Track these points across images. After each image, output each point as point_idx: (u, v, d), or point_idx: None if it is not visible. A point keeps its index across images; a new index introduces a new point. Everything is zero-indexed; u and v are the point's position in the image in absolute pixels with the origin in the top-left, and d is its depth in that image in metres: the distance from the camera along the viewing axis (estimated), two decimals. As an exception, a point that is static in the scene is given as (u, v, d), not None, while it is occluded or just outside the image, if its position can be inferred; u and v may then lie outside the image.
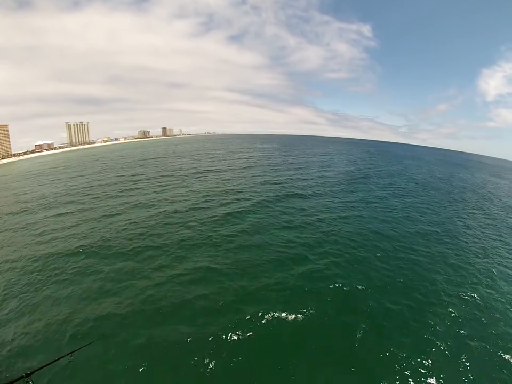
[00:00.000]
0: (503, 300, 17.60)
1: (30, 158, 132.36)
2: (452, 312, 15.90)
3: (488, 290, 18.50)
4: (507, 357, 13.12)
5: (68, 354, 5.86)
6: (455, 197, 46.71)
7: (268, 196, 37.11)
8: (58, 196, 39.33)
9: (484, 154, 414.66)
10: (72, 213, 31.10)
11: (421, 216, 32.95)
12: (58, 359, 5.61)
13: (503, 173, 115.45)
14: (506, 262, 23.19)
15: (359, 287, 17.42)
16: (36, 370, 4.44)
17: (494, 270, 21.39)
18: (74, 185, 45.54)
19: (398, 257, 21.87)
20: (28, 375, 4.22)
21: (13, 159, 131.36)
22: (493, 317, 15.95)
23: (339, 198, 38.52)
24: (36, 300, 16.18)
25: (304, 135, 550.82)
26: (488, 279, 19.94)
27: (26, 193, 43.12)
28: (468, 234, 28.95)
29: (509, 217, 37.38)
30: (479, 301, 17.24)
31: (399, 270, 19.82)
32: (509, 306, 16.99)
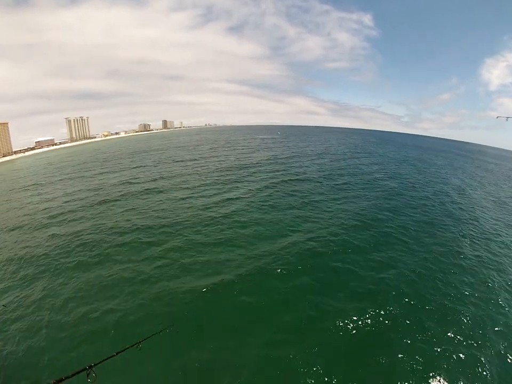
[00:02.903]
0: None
1: (31, 154, 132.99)
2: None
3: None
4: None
5: (134, 345, 5.47)
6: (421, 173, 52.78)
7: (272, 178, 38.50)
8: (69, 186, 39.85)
9: (477, 143, 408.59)
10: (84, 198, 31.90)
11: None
12: (124, 350, 5.17)
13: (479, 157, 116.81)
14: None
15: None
16: (100, 362, 4.23)
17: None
18: (82, 176, 45.98)
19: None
20: (90, 367, 4.02)
21: (14, 156, 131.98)
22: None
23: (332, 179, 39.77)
24: (92, 279, 15.82)
25: (304, 125, 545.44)
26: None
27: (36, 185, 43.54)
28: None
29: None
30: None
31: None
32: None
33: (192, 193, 31.93)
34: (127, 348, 5.28)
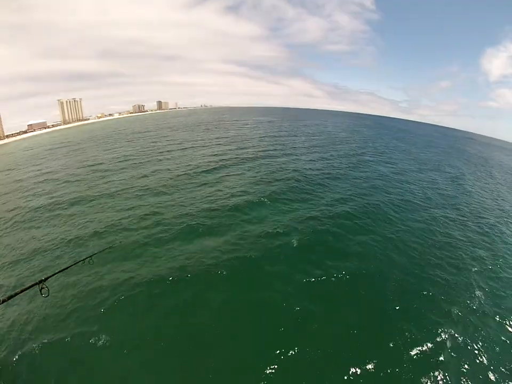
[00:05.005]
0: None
1: (24, 138, 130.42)
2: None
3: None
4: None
5: (84, 260, 5.69)
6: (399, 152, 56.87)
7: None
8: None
9: (473, 132, 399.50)
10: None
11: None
12: (73, 264, 5.42)
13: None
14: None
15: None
16: (50, 276, 4.19)
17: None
18: (79, 155, 46.39)
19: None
20: (41, 281, 3.99)
21: (6, 140, 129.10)
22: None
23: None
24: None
25: (302, 108, 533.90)
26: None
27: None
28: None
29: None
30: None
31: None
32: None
33: (189, 165, 34.16)
34: (79, 262, 5.46)
